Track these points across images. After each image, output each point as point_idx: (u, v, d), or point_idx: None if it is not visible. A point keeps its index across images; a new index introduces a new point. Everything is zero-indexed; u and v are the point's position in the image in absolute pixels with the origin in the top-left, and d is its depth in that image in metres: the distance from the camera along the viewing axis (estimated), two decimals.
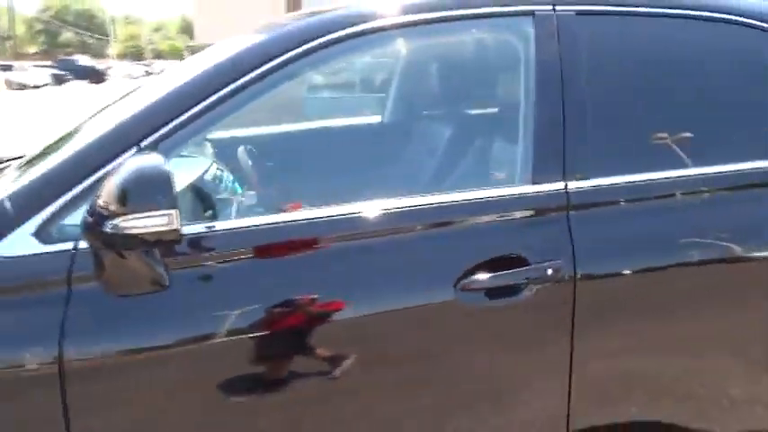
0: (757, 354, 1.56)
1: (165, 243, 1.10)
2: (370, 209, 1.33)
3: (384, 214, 1.32)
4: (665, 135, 1.49)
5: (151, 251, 1.15)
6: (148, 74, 50.98)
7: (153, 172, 1.06)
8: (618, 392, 1.48)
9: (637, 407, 1.51)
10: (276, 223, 1.31)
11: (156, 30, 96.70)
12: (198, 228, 1.26)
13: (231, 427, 1.27)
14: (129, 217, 1.05)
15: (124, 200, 1.05)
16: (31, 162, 1.64)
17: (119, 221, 1.05)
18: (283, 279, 1.27)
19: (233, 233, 1.27)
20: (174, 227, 1.07)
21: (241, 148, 1.86)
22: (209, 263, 1.24)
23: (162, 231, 1.06)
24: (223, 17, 9.43)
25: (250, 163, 1.80)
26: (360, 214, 1.32)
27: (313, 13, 1.49)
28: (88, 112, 1.90)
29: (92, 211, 1.09)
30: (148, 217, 1.05)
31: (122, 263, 1.13)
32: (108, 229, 1.06)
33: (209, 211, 1.53)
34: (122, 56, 72.95)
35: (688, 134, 1.52)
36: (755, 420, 1.61)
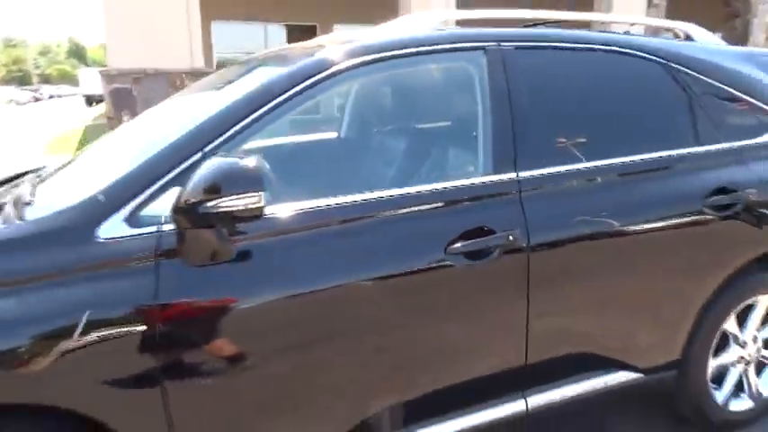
0: (661, 310, 2.12)
1: (250, 218, 1.47)
2: (390, 195, 1.77)
3: (398, 197, 1.77)
4: (585, 138, 2.03)
5: (221, 231, 1.51)
6: (37, 100, 48.21)
7: (245, 164, 1.44)
8: (562, 331, 1.98)
9: (575, 344, 2.02)
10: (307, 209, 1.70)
11: (42, 53, 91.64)
12: None
13: (300, 383, 1.65)
14: (226, 198, 1.43)
15: (219, 187, 1.42)
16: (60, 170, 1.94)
17: (215, 203, 1.42)
18: (321, 251, 1.66)
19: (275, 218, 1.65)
20: (262, 204, 1.45)
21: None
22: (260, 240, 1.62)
23: (253, 208, 1.44)
24: (136, 42, 9.46)
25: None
26: (380, 199, 1.75)
27: (314, 49, 1.91)
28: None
29: (183, 199, 1.45)
30: (241, 198, 1.43)
31: (203, 239, 1.49)
32: (202, 211, 1.43)
33: None
34: (6, 80, 68.57)
35: (603, 136, 2.09)
36: (654, 357, 2.19)
